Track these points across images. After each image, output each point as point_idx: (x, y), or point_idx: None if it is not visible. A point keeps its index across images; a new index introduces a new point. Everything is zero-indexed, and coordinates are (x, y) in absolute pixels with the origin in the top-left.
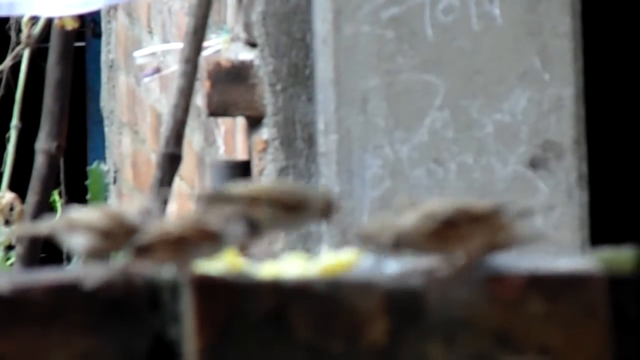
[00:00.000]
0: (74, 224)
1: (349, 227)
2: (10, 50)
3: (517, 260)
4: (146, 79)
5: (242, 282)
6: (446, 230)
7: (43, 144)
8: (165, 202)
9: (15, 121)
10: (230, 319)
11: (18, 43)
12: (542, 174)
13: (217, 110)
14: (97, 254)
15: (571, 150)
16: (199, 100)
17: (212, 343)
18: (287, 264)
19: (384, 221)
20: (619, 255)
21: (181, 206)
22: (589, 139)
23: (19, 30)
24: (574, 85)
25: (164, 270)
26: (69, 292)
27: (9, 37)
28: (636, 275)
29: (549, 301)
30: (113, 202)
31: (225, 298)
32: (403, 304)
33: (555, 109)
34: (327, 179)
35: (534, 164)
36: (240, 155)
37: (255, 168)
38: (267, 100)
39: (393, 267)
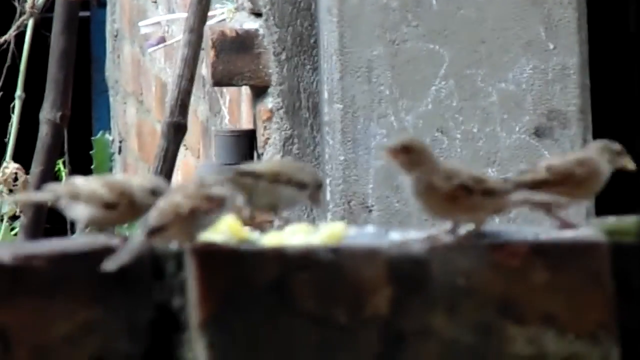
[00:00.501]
0: (78, 194)
1: (353, 196)
2: (14, 20)
3: (521, 230)
4: (151, 49)
5: (245, 252)
6: (462, 195)
7: (47, 113)
8: (170, 172)
9: (19, 91)
10: (234, 289)
11: (22, 13)
12: (547, 142)
13: (221, 79)
14: (99, 225)
15: (576, 119)
16: (204, 69)
17: (215, 312)
18: (290, 234)
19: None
20: (623, 224)
21: (186, 175)
22: (594, 108)
23: (23, 0)
24: (579, 55)
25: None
26: (73, 262)
27: (13, 7)
28: (639, 243)
29: (553, 270)
30: (118, 171)
31: (229, 267)
32: (406, 273)
33: (560, 78)
34: (332, 148)
35: (539, 132)
36: (246, 124)
37: (260, 137)
38: (272, 69)
39: (396, 235)
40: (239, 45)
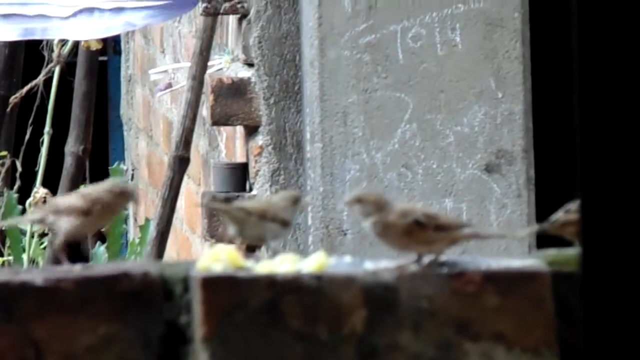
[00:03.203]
0: (59, 208)
1: (330, 221)
2: (43, 67)
3: (475, 260)
4: (159, 93)
5: (242, 277)
6: (416, 230)
7: (71, 147)
8: (175, 197)
9: (47, 128)
10: (232, 309)
11: (50, 61)
12: (496, 177)
13: (219, 119)
14: (79, 232)
15: (521, 157)
16: (204, 111)
17: (216, 329)
18: (279, 262)
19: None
20: (563, 255)
21: (189, 199)
22: (537, 148)
23: (51, 50)
24: (524, 102)
25: (176, 266)
26: (95, 284)
27: (42, 56)
28: (577, 272)
29: (503, 294)
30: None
31: (228, 291)
32: (379, 297)
33: (507, 122)
34: (313, 180)
35: (489, 168)
36: (239, 158)
37: (252, 169)
38: (262, 111)
39: (369, 265)
40: (234, 91)
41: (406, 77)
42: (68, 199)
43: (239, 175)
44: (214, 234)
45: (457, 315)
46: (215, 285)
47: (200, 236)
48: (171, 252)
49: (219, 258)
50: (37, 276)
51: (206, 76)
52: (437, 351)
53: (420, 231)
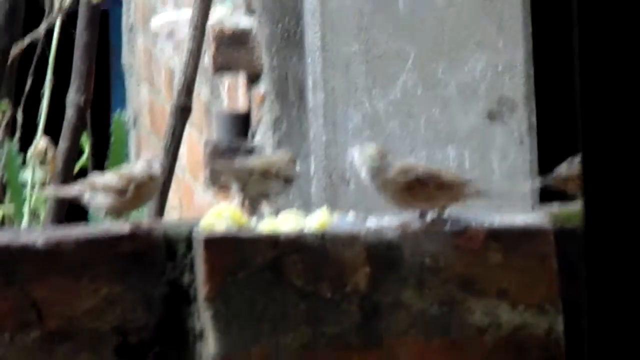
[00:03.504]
0: (95, 186)
1: (333, 171)
2: (44, 19)
3: (478, 215)
4: (161, 42)
5: (245, 236)
6: (416, 187)
7: (73, 98)
8: (178, 146)
9: (48, 78)
10: (235, 268)
11: (51, 13)
12: (498, 124)
13: (221, 68)
14: (115, 211)
15: (522, 104)
16: (207, 60)
17: (220, 288)
18: (282, 220)
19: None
20: (566, 211)
21: (191, 148)
22: (538, 95)
23: (51, 3)
24: (525, 50)
25: (179, 226)
26: (97, 245)
27: (43, 9)
28: (580, 228)
29: (506, 251)
30: (133, 144)
31: (231, 250)
32: (382, 255)
33: (508, 70)
34: (315, 130)
35: (491, 116)
36: (241, 106)
37: (254, 117)
38: (264, 59)
39: (372, 222)
40: (236, 40)
41: (407, 26)
42: (105, 177)
43: (241, 124)
44: (216, 182)
45: (461, 273)
46: (218, 244)
47: (203, 184)
48: (173, 200)
49: (222, 215)
50: (38, 238)
51: (208, 25)
52: (440, 308)
53: (422, 189)
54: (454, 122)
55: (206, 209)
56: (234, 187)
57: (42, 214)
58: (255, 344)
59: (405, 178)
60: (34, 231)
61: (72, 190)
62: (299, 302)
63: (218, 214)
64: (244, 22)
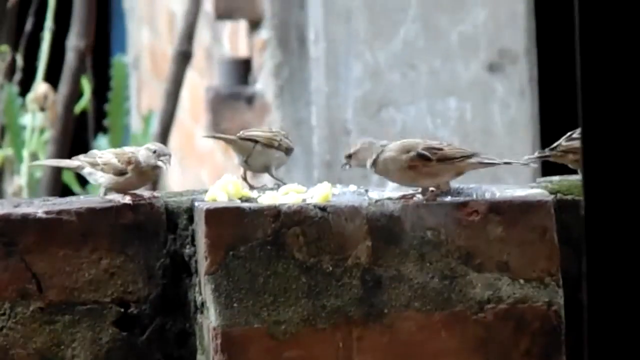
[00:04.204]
0: (96, 163)
1: (334, 121)
2: None
3: (479, 188)
4: None
5: (246, 209)
6: (420, 163)
7: (73, 42)
8: (178, 90)
9: (49, 23)
10: (236, 240)
11: None
12: (499, 76)
13: (223, 13)
14: (115, 189)
15: (523, 56)
16: (208, 5)
17: (221, 261)
18: (283, 193)
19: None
20: (565, 183)
21: (193, 91)
22: (540, 47)
23: None
24: (526, 2)
25: (180, 197)
26: (98, 216)
27: None
28: (580, 200)
29: (507, 224)
30: (134, 87)
31: (232, 222)
32: (383, 227)
33: (510, 22)
34: (316, 80)
35: (492, 68)
36: (243, 52)
37: (255, 63)
38: (266, 6)
39: (374, 194)
40: None
41: None
42: (106, 155)
43: (242, 70)
44: (218, 127)
45: (462, 246)
46: (220, 217)
47: (204, 127)
48: (174, 145)
49: (226, 189)
50: (38, 209)
51: None
52: (441, 281)
53: (425, 164)
54: (455, 74)
55: (206, 155)
56: (237, 159)
57: (42, 158)
58: (256, 317)
59: (408, 155)
60: (34, 201)
61: (73, 163)
62: (301, 275)
63: (223, 187)
64: None
